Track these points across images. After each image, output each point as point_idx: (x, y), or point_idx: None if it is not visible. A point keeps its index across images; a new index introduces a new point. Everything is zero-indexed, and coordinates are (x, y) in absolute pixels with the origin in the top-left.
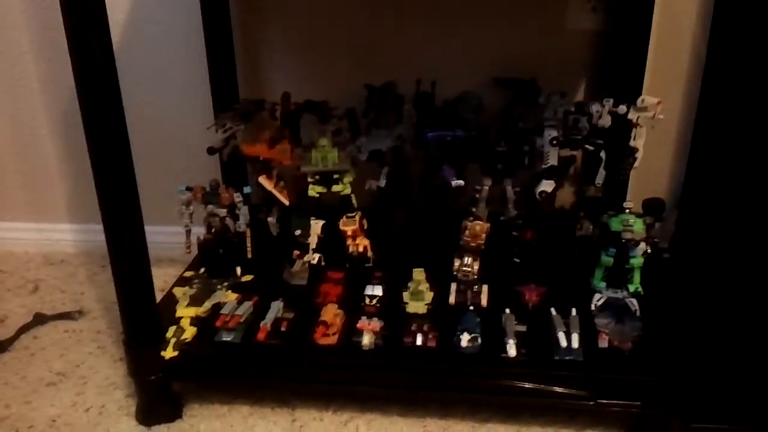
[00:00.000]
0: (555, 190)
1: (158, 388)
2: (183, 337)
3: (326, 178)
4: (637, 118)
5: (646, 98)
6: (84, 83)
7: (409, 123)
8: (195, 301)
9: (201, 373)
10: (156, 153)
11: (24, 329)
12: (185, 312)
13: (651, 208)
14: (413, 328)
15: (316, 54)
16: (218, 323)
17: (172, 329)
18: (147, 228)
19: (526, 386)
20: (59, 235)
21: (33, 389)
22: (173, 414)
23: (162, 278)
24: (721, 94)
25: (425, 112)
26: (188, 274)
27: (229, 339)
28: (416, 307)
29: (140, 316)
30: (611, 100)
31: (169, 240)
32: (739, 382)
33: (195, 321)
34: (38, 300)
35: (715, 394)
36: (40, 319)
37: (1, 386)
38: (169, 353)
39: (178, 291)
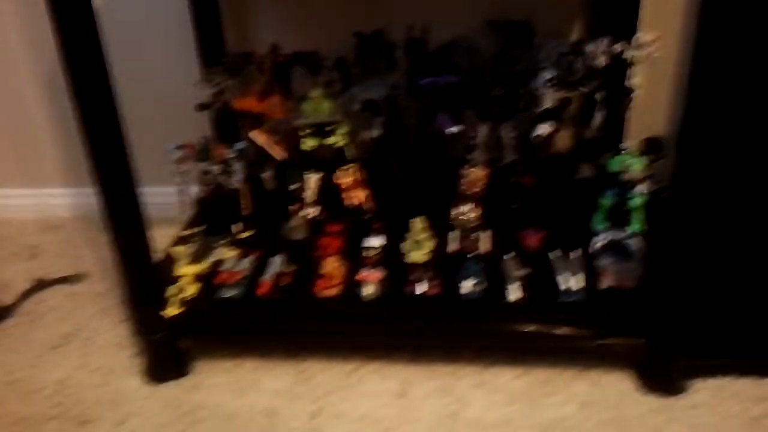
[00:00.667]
0: (552, 133)
1: (164, 346)
2: (185, 295)
3: (320, 131)
4: (634, 56)
5: (642, 35)
6: (67, 43)
7: (402, 71)
8: (195, 258)
9: (206, 329)
10: (144, 113)
11: (25, 295)
12: (186, 270)
13: (650, 147)
14: (414, 276)
15: (303, 3)
16: (219, 280)
17: (173, 287)
18: (145, 189)
19: (530, 329)
20: (55, 200)
21: (38, 354)
22: (181, 370)
23: (160, 239)
24: (718, 27)
25: (418, 59)
26: (187, 232)
27: (231, 295)
28: (417, 256)
29: (141, 276)
30: (606, 39)
31: (164, 200)
32: (740, 317)
33: (196, 278)
34: (37, 266)
35: (717, 328)
36: (40, 285)
37: (6, 352)
38: (171, 311)
39: (177, 250)
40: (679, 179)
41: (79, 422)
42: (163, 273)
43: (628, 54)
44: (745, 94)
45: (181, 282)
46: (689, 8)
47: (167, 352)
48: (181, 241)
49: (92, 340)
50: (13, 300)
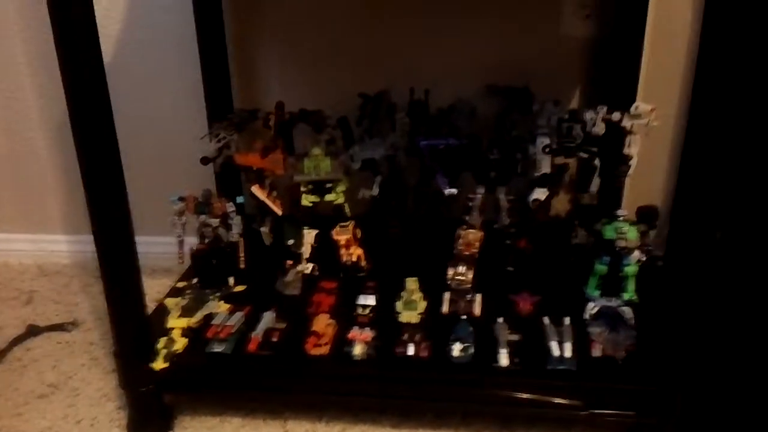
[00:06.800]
0: (549, 198)
1: (149, 400)
2: (174, 349)
3: (319, 188)
4: (631, 125)
5: (640, 105)
6: (73, 94)
7: (403, 132)
8: (187, 311)
9: (192, 384)
10: (151, 163)
11: (17, 341)
12: (177, 323)
13: (645, 215)
14: (405, 337)
15: (310, 63)
16: (209, 334)
17: (162, 340)
18: (142, 238)
19: (519, 396)
20: (54, 246)
21: (25, 401)
22: (164, 426)
23: (157, 289)
24: (713, 100)
25: (419, 120)
26: (181, 284)
27: (220, 350)
28: (409, 316)
29: (131, 328)
30: (605, 108)
31: (165, 250)
32: (733, 391)
33: (186, 332)
34: (32, 311)
35: (710, 402)
36: (33, 331)
37: None
38: (159, 365)
39: (170, 302)
40: (674, 249)
41: None
42: (154, 325)
43: (626, 123)
44: (738, 166)
45: (171, 335)
46: (686, 81)
47: (152, 406)
48: (174, 292)
49: (80, 389)
50: (5, 345)
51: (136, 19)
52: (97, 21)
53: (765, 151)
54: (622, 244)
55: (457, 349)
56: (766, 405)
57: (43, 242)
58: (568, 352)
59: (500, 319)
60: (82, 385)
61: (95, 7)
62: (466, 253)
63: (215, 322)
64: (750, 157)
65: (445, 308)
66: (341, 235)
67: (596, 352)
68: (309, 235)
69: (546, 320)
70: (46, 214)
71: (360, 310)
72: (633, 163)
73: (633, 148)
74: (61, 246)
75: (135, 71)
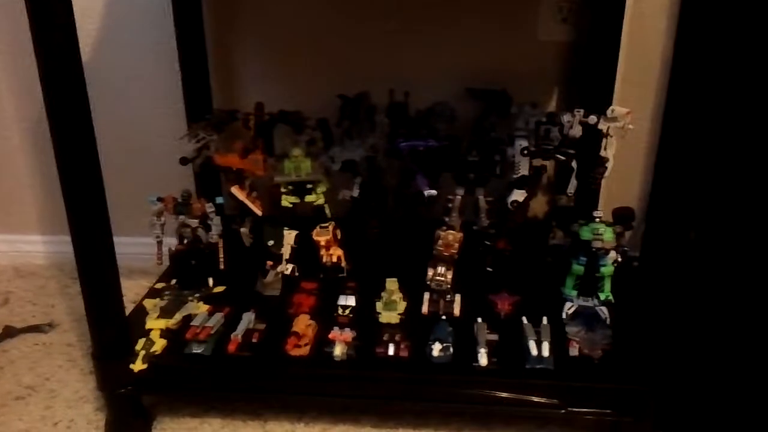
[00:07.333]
0: (527, 199)
1: (128, 402)
2: (152, 350)
3: (299, 188)
4: (608, 128)
5: (616, 108)
6: (51, 92)
7: (382, 133)
8: (166, 313)
9: (171, 386)
10: (129, 163)
11: None
12: (155, 324)
13: (621, 217)
14: (386, 338)
15: (290, 64)
16: (188, 335)
17: (141, 342)
18: (120, 239)
19: (498, 395)
20: (30, 247)
21: (2, 403)
22: (143, 428)
23: (134, 290)
24: (688, 103)
25: (398, 122)
26: (159, 285)
27: (199, 351)
28: (389, 317)
29: (109, 329)
30: (582, 111)
31: (143, 251)
32: (709, 389)
33: (165, 333)
34: (8, 312)
35: (685, 401)
36: (9, 332)
37: None
38: (138, 366)
39: (148, 303)
40: (649, 249)
41: None
42: (132, 326)
43: (602, 125)
44: (711, 168)
45: (150, 336)
46: (661, 85)
47: (131, 408)
48: (153, 294)
49: (57, 391)
50: None
51: (115, 18)
52: (75, 19)
53: (737, 153)
54: (598, 244)
55: (436, 349)
56: (741, 402)
57: (19, 243)
58: (546, 352)
59: (479, 319)
60: (60, 387)
61: (73, 6)
62: (446, 253)
63: (194, 323)
64: (723, 159)
65: (424, 309)
66: (321, 235)
67: (573, 351)
68: (289, 236)
69: (524, 320)
70: (23, 214)
71: (340, 311)
72: (609, 165)
73: (609, 150)
74: (38, 247)
75: (113, 70)
